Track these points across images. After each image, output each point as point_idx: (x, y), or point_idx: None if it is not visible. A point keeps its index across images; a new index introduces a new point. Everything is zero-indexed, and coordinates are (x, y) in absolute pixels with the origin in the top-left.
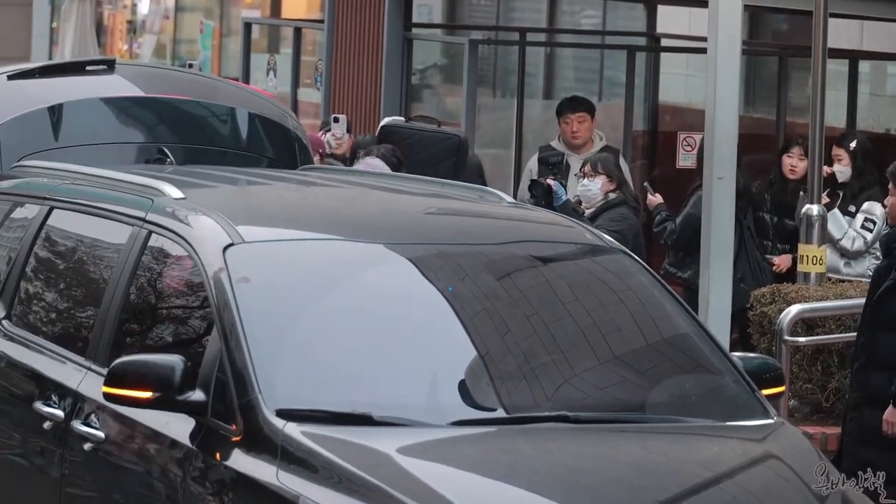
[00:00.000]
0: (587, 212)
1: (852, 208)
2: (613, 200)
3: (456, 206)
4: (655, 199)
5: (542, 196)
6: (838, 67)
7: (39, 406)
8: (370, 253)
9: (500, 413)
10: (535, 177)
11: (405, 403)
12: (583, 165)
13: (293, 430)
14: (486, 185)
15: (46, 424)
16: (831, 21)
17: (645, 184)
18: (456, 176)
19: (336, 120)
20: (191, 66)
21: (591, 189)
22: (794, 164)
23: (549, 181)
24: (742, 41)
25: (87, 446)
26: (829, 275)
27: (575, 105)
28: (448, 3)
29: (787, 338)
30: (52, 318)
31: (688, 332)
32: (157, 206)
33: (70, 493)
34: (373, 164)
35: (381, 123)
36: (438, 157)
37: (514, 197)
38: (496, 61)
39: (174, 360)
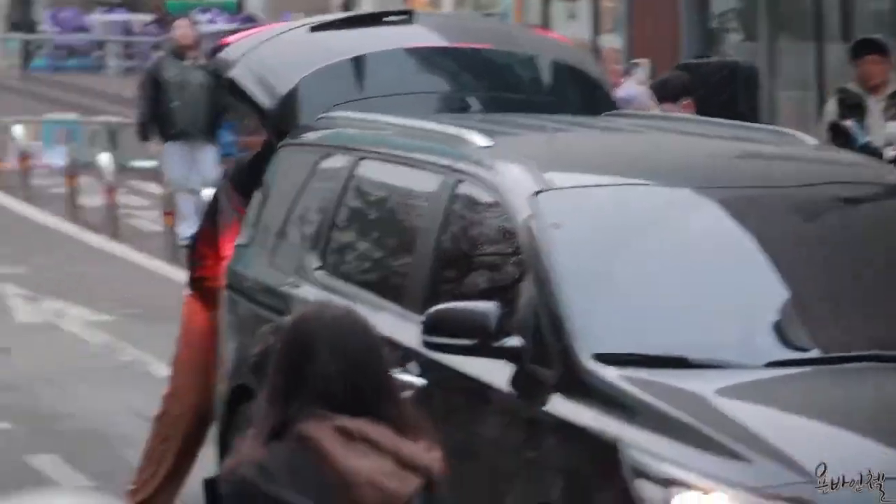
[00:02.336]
0: (891, 153)
1: None
2: None
3: (760, 150)
4: None
5: (842, 138)
6: None
7: None
8: (678, 197)
9: (815, 353)
10: (833, 119)
11: (720, 345)
12: (888, 107)
13: (611, 373)
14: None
15: None
16: None
17: None
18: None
19: (637, 65)
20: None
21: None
22: None
23: (848, 123)
24: None
25: (406, 394)
26: None
27: (868, 47)
28: None
29: None
30: (365, 267)
31: None
32: (466, 155)
33: None
34: (629, 87)
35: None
36: (719, 89)
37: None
38: (794, 3)
39: (489, 306)
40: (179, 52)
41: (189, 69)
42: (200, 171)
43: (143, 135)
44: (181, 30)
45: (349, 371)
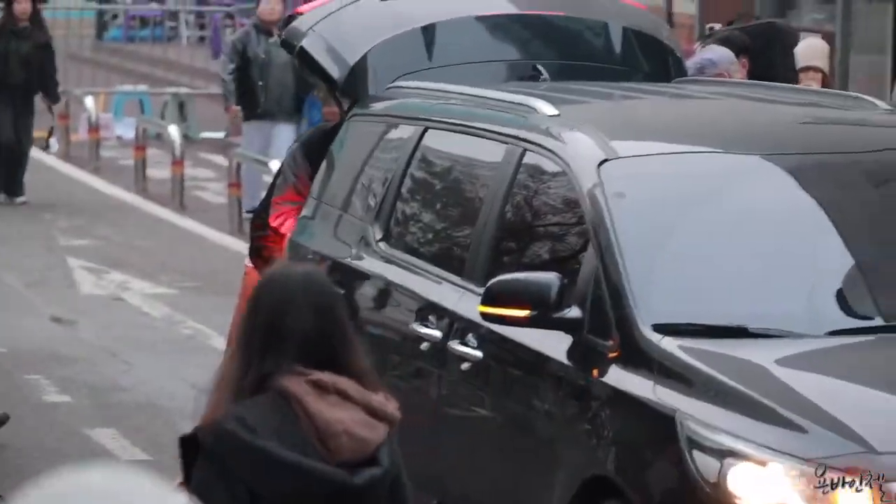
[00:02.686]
0: None
1: None
2: None
3: (831, 115)
4: None
5: None
6: None
7: (417, 327)
8: (746, 165)
9: (878, 321)
10: None
11: (781, 314)
12: None
13: (670, 344)
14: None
15: (424, 345)
16: None
17: None
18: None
19: (712, 30)
20: None
21: None
22: None
23: None
24: None
25: (464, 366)
26: None
27: None
28: None
29: None
30: (429, 238)
31: None
32: (532, 124)
33: (448, 413)
34: (716, 48)
35: None
36: (763, 49)
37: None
38: None
39: (550, 277)
40: (265, 28)
41: (275, 46)
42: (279, 149)
43: (230, 107)
44: (268, 4)
45: (323, 326)
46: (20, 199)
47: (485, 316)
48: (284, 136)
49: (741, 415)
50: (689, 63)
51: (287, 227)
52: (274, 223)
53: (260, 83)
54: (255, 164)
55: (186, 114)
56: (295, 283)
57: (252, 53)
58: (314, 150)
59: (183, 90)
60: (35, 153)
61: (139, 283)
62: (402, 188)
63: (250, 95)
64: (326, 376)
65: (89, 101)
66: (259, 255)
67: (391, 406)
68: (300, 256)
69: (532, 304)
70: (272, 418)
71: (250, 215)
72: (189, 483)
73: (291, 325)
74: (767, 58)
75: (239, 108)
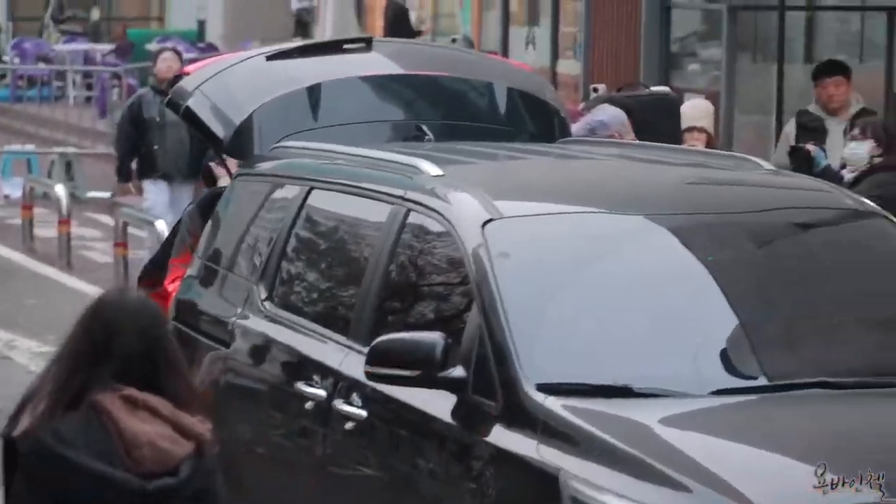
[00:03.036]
0: (848, 176)
1: None
2: (878, 164)
3: (714, 175)
4: None
5: (803, 162)
6: None
7: (301, 386)
8: (630, 225)
9: (761, 381)
10: (792, 142)
11: (665, 374)
12: (852, 128)
13: (554, 403)
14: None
15: (308, 405)
16: None
17: None
18: (675, 137)
19: (596, 91)
20: (455, 41)
21: (858, 152)
22: None
23: (809, 147)
24: None
25: (349, 425)
26: None
27: (831, 69)
28: None
29: None
30: (313, 298)
31: None
32: (416, 184)
33: (333, 473)
34: (608, 108)
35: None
36: (653, 119)
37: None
38: (755, 27)
39: (435, 337)
40: (162, 89)
41: None
42: (179, 211)
43: (123, 176)
44: (165, 63)
45: (148, 350)
46: None
47: (370, 375)
48: (183, 198)
49: (626, 474)
50: (581, 123)
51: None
52: (169, 287)
53: (156, 146)
54: (144, 223)
55: (73, 173)
56: (128, 308)
57: (148, 115)
58: (211, 211)
59: (70, 150)
60: None
61: (26, 342)
62: (288, 248)
63: (148, 157)
64: (138, 393)
65: None
66: None
67: (202, 427)
68: (186, 316)
69: (417, 364)
70: (86, 430)
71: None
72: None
73: (118, 345)
74: (657, 128)
75: (129, 183)
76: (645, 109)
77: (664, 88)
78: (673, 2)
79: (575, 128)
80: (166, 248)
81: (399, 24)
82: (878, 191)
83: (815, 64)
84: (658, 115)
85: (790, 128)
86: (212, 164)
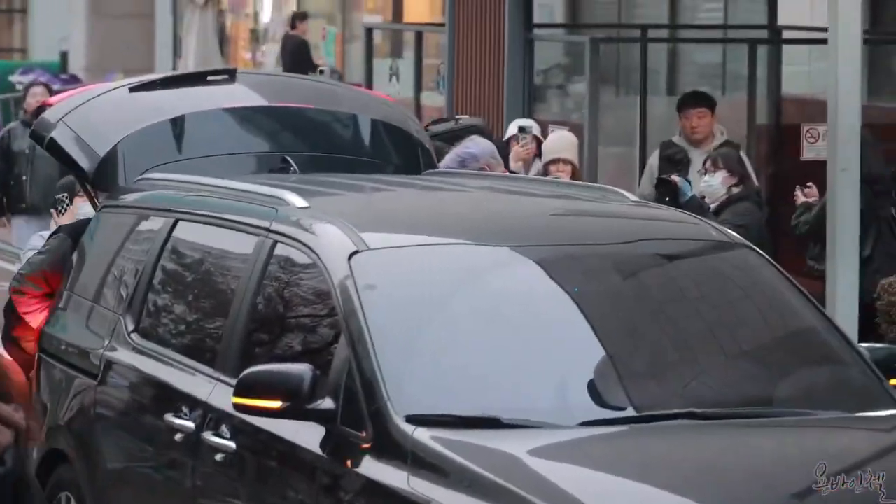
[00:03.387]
0: (709, 206)
1: None
2: (736, 195)
3: (580, 207)
4: (805, 196)
5: (669, 193)
6: None
7: (170, 418)
8: (495, 256)
9: (630, 412)
10: (656, 173)
11: (533, 405)
12: (704, 161)
13: (423, 435)
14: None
15: (178, 436)
16: None
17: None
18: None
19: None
20: (322, 72)
21: (712, 184)
22: None
23: (675, 178)
24: (863, 30)
25: (218, 457)
26: None
27: (695, 100)
28: (569, 2)
29: None
30: (181, 329)
31: (814, 325)
32: (282, 216)
33: None
34: (479, 140)
35: (517, 124)
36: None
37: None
38: (618, 59)
39: (303, 368)
40: (31, 122)
41: None
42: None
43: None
44: (34, 98)
45: None
46: None
47: (238, 407)
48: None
49: None
50: (451, 155)
51: (39, 321)
52: (20, 310)
53: (25, 178)
54: (13, 256)
55: None
56: None
57: (18, 148)
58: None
59: None
60: None
61: None
62: (154, 280)
63: (17, 190)
64: None
65: None
66: (14, 343)
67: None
68: (54, 348)
69: (285, 396)
70: None
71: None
72: None
73: None
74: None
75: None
76: (459, 139)
77: (476, 119)
78: (535, 34)
79: (446, 159)
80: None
81: (299, 58)
82: (741, 220)
83: (678, 96)
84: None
85: (654, 159)
86: (76, 197)
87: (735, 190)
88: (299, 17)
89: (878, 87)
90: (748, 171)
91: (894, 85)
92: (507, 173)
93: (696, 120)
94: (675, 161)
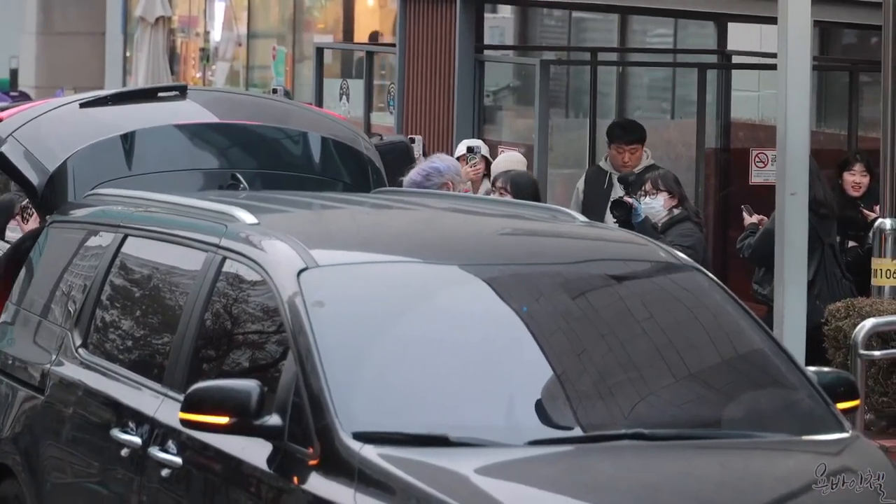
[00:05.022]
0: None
1: None
2: (678, 216)
3: (529, 227)
4: (752, 219)
5: (624, 214)
6: None
7: (117, 433)
8: (444, 274)
9: (577, 432)
10: (581, 197)
11: (481, 424)
12: (643, 183)
13: (370, 452)
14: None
15: (124, 451)
16: None
17: (743, 206)
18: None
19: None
20: (275, 91)
21: (653, 206)
22: (857, 180)
23: (630, 199)
24: (812, 57)
25: (164, 473)
26: None
27: (628, 135)
28: (519, 24)
29: (861, 352)
30: (128, 345)
31: (762, 348)
32: (231, 232)
33: None
34: (444, 157)
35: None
36: (393, 166)
37: None
38: (568, 81)
39: (250, 385)
40: None
41: None
42: None
43: None
44: None
45: None
46: None
47: (185, 423)
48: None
49: None
50: (416, 170)
51: None
52: None
53: None
54: None
55: None
56: None
57: None
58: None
59: None
60: None
61: None
62: (102, 295)
63: None
64: None
65: None
66: None
67: None
68: (0, 363)
69: (232, 412)
70: None
71: None
72: None
73: None
74: (400, 171)
75: None
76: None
77: (398, 137)
78: (486, 56)
79: (411, 174)
80: None
81: None
82: (686, 241)
83: (627, 118)
84: (399, 160)
85: (581, 183)
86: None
87: (676, 211)
88: None
89: (823, 113)
90: (685, 192)
91: (839, 111)
92: (466, 192)
93: (628, 156)
94: (630, 184)
